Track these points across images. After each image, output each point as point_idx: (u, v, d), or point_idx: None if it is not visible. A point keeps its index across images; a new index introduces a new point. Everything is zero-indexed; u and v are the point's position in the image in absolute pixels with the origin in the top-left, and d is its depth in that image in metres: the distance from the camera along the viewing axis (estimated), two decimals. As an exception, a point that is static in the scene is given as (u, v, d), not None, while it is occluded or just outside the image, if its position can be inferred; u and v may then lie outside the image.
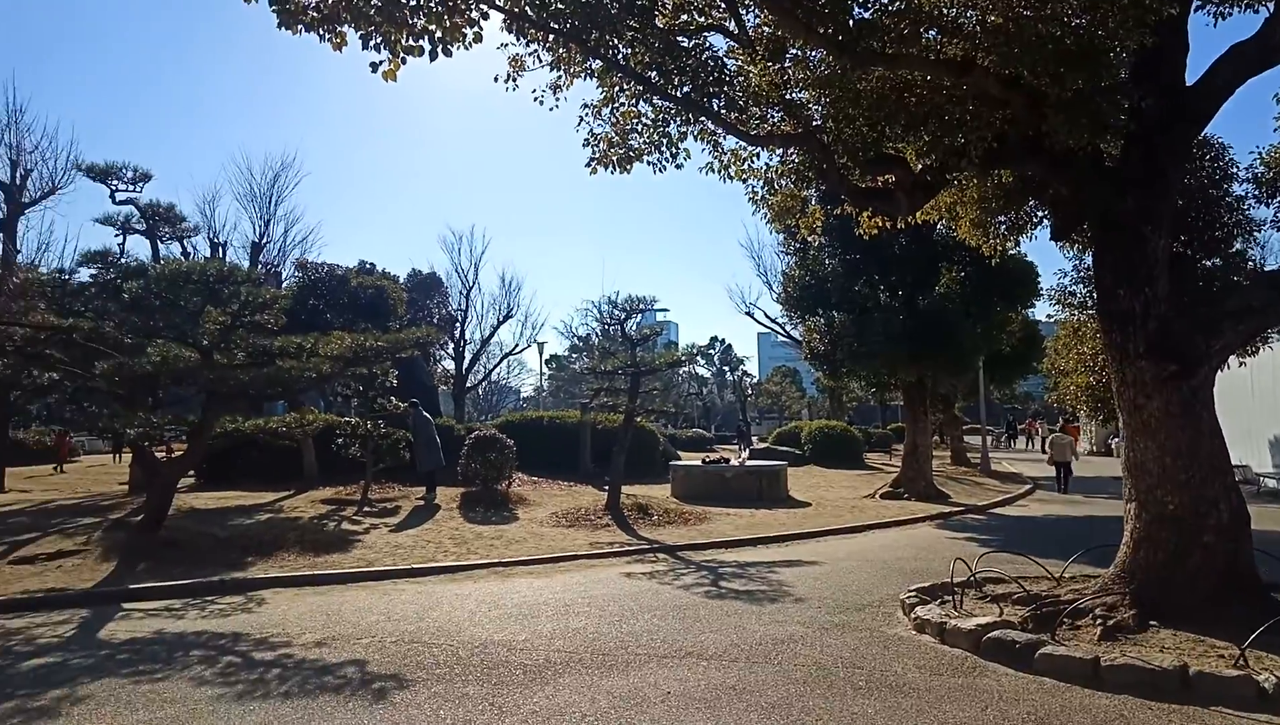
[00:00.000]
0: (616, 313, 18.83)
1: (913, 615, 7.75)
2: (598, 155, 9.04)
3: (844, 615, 8.16)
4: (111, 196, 19.42)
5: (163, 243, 19.99)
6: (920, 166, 8.59)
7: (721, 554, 12.18)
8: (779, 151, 9.43)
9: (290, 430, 13.68)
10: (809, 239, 14.25)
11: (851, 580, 9.89)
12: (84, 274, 15.51)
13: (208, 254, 25.45)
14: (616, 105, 8.82)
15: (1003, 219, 10.13)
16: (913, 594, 8.30)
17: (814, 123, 8.74)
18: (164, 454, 21.71)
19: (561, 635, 7.46)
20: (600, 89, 8.75)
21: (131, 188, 18.01)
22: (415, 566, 10.86)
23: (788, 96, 8.67)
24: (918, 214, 9.41)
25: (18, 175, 22.00)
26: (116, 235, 19.58)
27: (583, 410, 20.87)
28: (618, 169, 9.03)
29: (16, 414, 25.43)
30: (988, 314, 19.97)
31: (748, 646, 7.03)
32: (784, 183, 9.62)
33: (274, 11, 6.61)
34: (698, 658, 6.72)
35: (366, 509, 15.12)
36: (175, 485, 12.95)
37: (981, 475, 26.16)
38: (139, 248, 22.26)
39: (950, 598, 7.97)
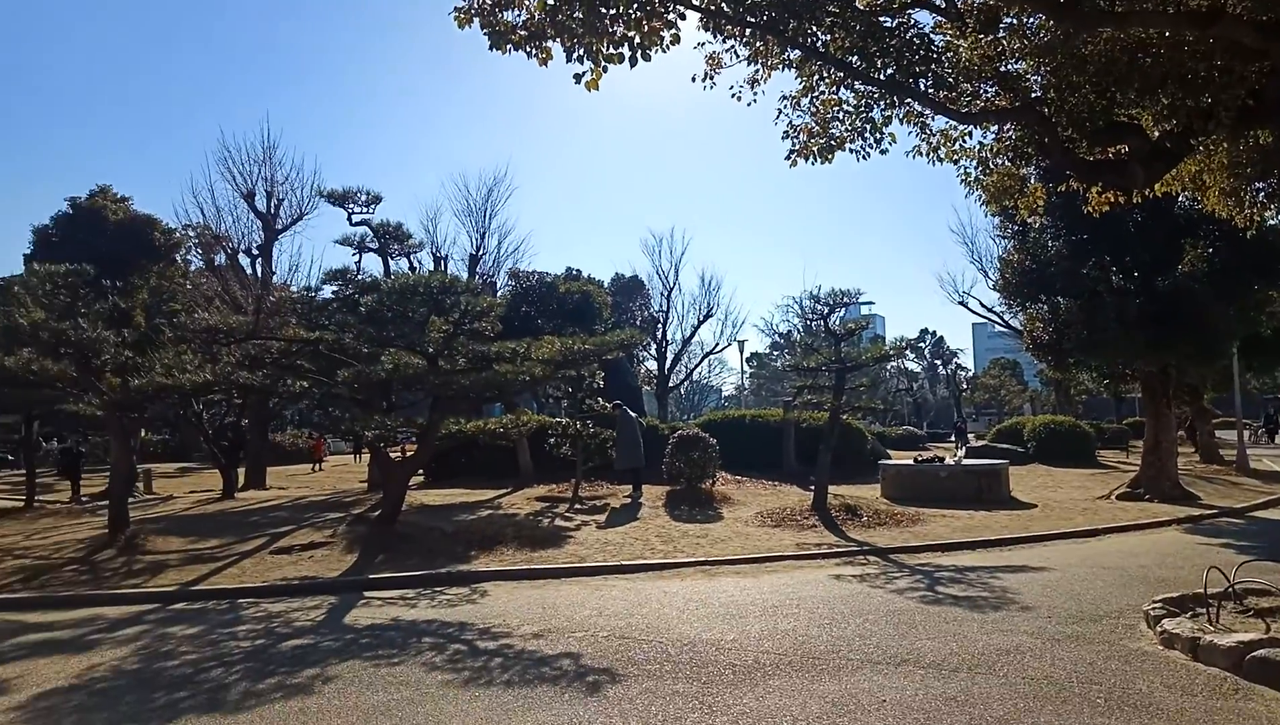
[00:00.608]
0: (819, 307, 18.45)
1: (1159, 629, 6.99)
2: (798, 147, 8.84)
3: (1077, 626, 7.49)
4: (349, 219, 21.36)
5: (392, 259, 21.74)
6: (1158, 133, 7.76)
7: (937, 558, 11.57)
8: (993, 128, 8.82)
9: (507, 431, 14.40)
10: (1029, 220, 13.28)
11: (1085, 588, 9.08)
12: (327, 291, 17.11)
13: (431, 267, 27.38)
14: (816, 94, 8.59)
15: (1260, 185, 8.96)
16: (1158, 605, 7.48)
17: (1033, 95, 8.11)
18: (399, 454, 23.57)
19: (770, 636, 7.35)
20: (799, 79, 8.56)
21: (365, 210, 19.71)
22: (624, 563, 11.10)
23: (1002, 69, 8.10)
24: (1156, 186, 8.51)
25: (272, 205, 24.66)
26: (353, 254, 21.50)
27: (785, 408, 20.60)
28: (818, 159, 8.78)
29: (274, 419, 28.48)
30: (1242, 293, 17.75)
31: (969, 656, 6.61)
32: (1000, 161, 8.99)
33: (485, 34, 6.99)
34: (914, 665, 6.39)
35: (578, 506, 15.65)
36: (408, 483, 13.97)
37: (1237, 474, 23.33)
38: (372, 265, 24.31)
39: (1204, 610, 7.11)
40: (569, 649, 7.11)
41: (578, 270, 37.23)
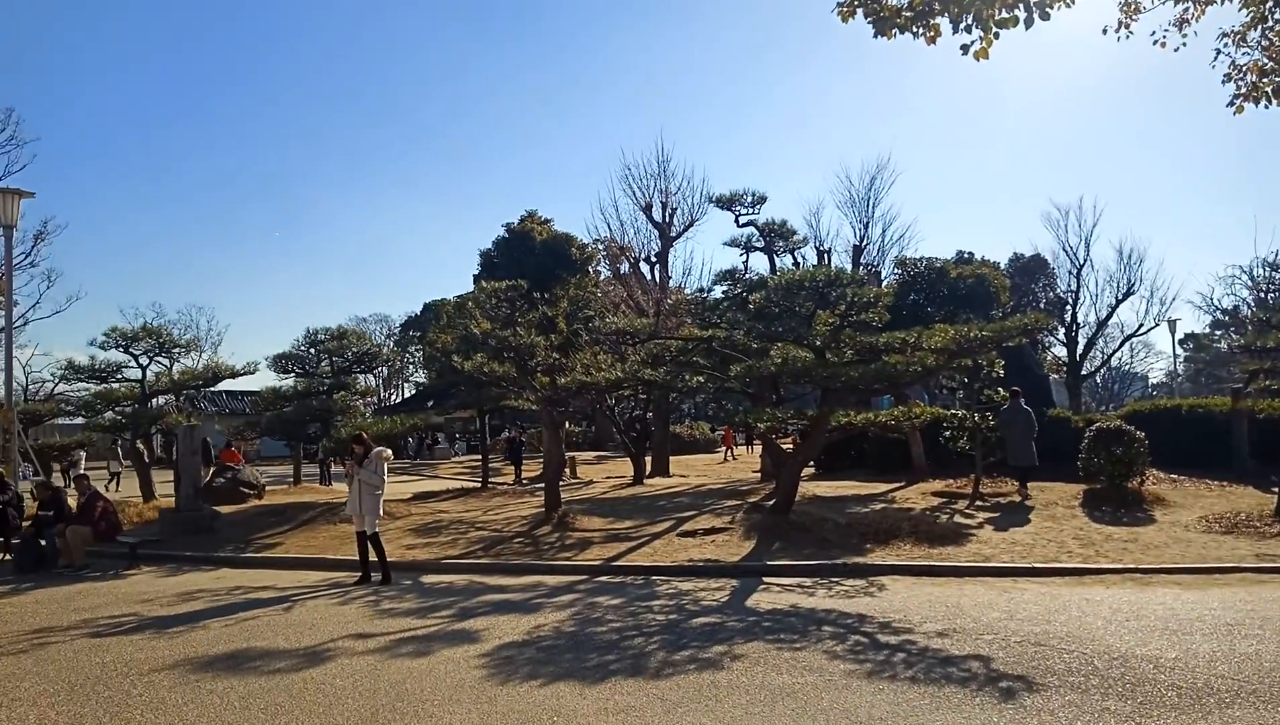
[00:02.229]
0: (1277, 276, 15.42)
1: None
2: (1243, 90, 7.53)
3: None
4: (736, 221, 22.30)
5: (777, 256, 22.31)
6: None
7: None
8: None
9: (898, 423, 14.04)
10: None
11: None
12: (717, 291, 18.08)
13: (815, 262, 27.62)
14: (1269, 25, 7.24)
15: None
16: None
17: None
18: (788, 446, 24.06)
19: (1225, 659, 6.32)
20: (1244, 9, 7.27)
21: (751, 210, 20.47)
22: (1036, 565, 10.26)
23: None
24: None
25: (666, 214, 26.61)
26: (740, 254, 22.40)
27: (1235, 396, 17.56)
28: (1272, 101, 7.39)
29: (674, 411, 30.65)
30: None
31: None
32: None
33: (869, 23, 6.94)
34: None
35: (978, 503, 14.77)
36: (800, 474, 14.22)
37: None
38: (759, 263, 25.13)
39: None
40: (977, 651, 6.75)
41: (969, 253, 35.07)
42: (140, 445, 18.85)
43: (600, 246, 31.60)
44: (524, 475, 26.06)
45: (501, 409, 21.81)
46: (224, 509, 16.55)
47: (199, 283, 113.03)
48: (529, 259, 28.53)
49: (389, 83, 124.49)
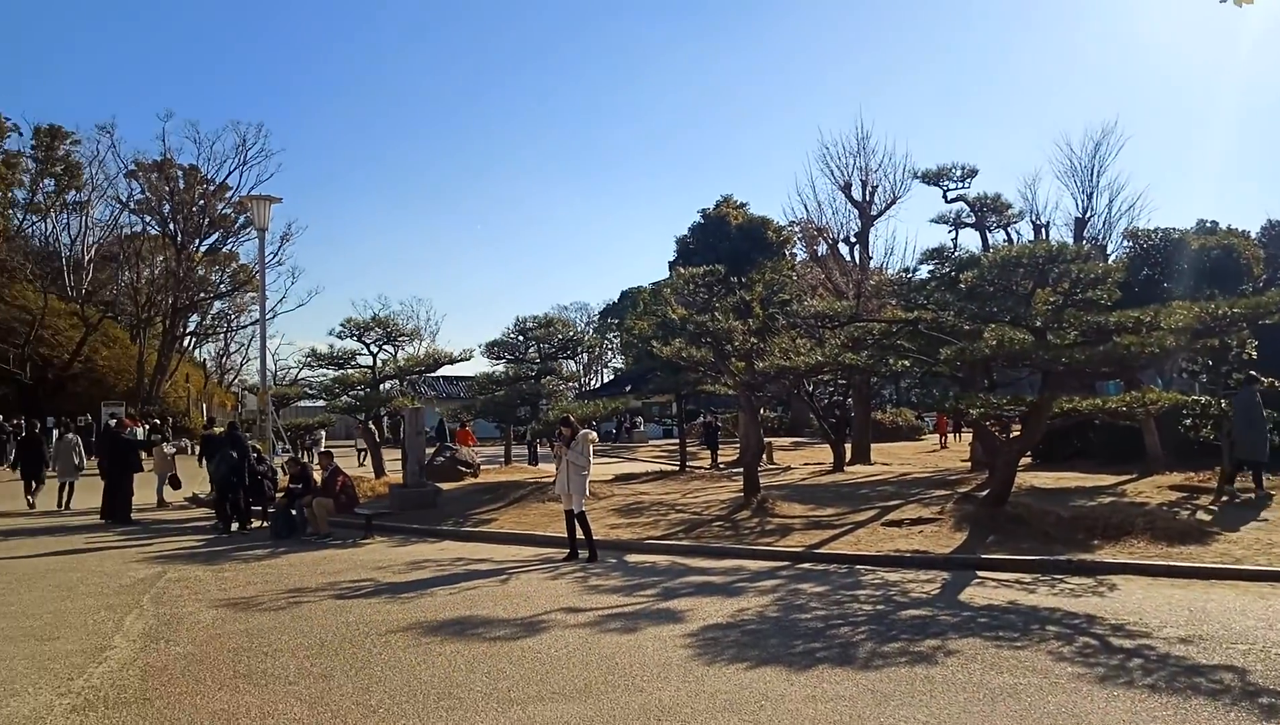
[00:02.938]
0: None
1: None
2: None
3: None
4: (944, 196, 21.18)
5: (990, 232, 21.02)
6: None
7: None
8: None
9: (1130, 410, 12.87)
10: None
11: None
12: (923, 271, 17.29)
13: (1031, 237, 25.83)
14: None
15: None
16: None
17: None
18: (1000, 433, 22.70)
19: None
20: None
21: (960, 185, 19.39)
22: (1299, 571, 9.11)
23: None
24: None
25: (867, 192, 25.75)
26: (949, 231, 21.28)
27: None
28: None
29: (874, 397, 29.70)
30: None
31: None
32: None
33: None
34: None
35: (1224, 498, 13.31)
36: (1017, 463, 13.38)
37: None
38: (969, 240, 23.77)
39: None
40: (1229, 661, 6.09)
41: (1213, 222, 31.61)
42: (371, 425, 20.59)
43: (796, 228, 31.16)
44: (720, 459, 26.22)
45: (698, 394, 22.00)
46: (444, 486, 17.74)
47: (418, 275, 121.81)
48: (724, 244, 28.53)
49: (585, 75, 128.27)
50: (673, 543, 12.15)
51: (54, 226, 55.35)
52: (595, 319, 74.69)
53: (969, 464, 20.63)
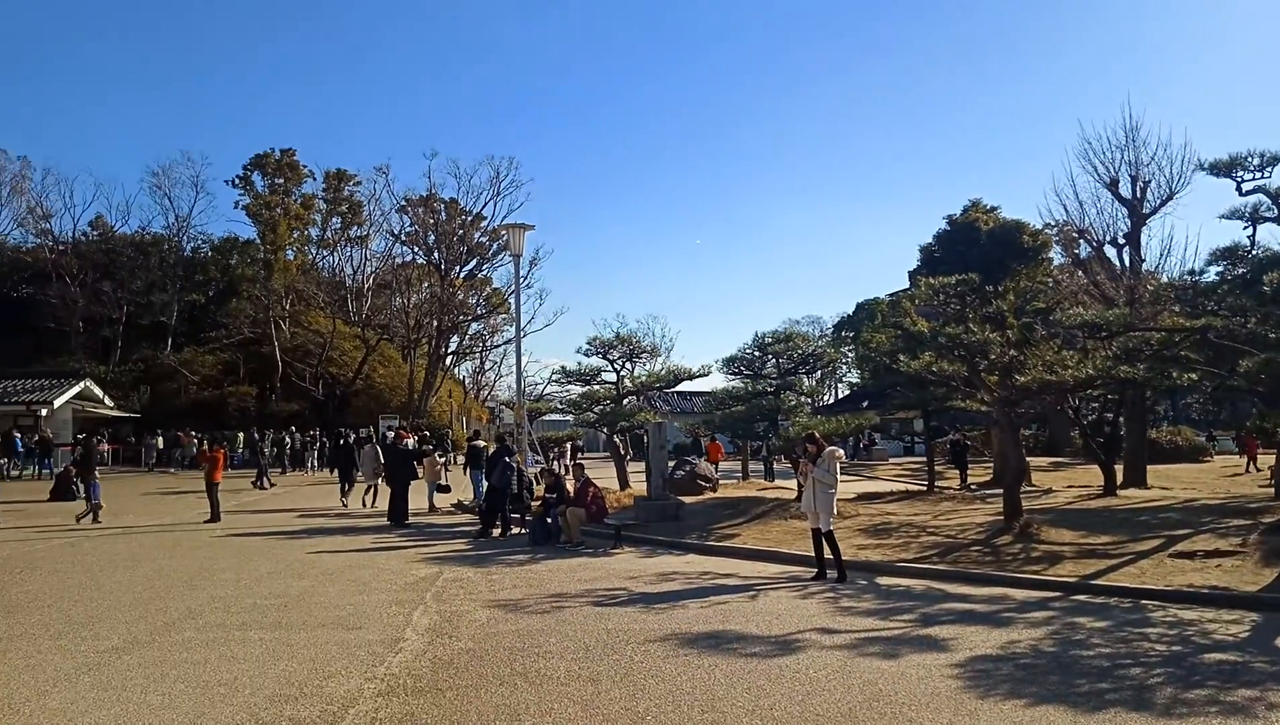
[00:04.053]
0: None
1: None
2: None
3: None
4: (1237, 188, 18.71)
5: (1296, 227, 18.33)
6: None
7: None
8: None
9: None
10: None
11: None
12: (1211, 272, 15.39)
13: (1344, 230, 22.27)
14: None
15: None
16: None
17: None
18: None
19: None
20: None
21: (1259, 175, 17.03)
22: None
23: None
24: None
25: (1137, 189, 23.37)
26: (1245, 227, 18.76)
27: None
28: None
29: (1149, 413, 26.83)
30: None
31: None
32: None
33: None
34: None
35: None
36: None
37: None
38: (1269, 236, 20.88)
39: None
40: None
41: None
42: (616, 439, 21.39)
43: (1053, 231, 28.82)
44: (969, 479, 24.75)
45: (947, 410, 20.90)
46: (685, 499, 18.05)
47: (654, 293, 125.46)
48: (973, 251, 26.88)
49: (826, 87, 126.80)
50: (927, 566, 11.59)
51: (339, 259, 62.59)
52: (829, 332, 73.28)
53: (1272, 490, 18.12)
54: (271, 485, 26.89)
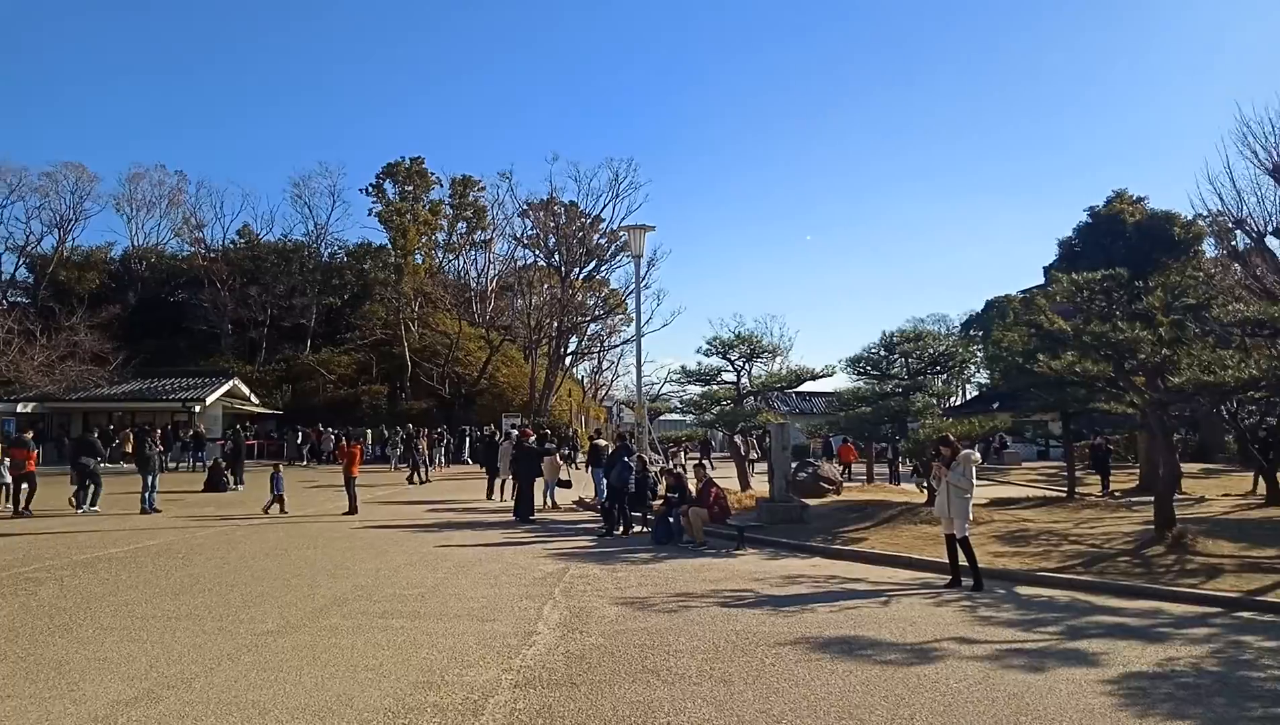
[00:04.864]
0: None
1: None
2: None
3: None
4: None
5: None
6: None
7: None
8: None
9: None
10: None
11: None
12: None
13: None
14: None
15: None
16: None
17: None
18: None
19: None
20: None
21: None
22: None
23: None
24: None
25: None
26: None
27: None
28: None
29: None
30: None
31: None
32: None
33: None
34: None
35: None
36: None
37: None
38: None
39: None
40: None
41: None
42: (737, 439, 21.24)
43: (1206, 221, 26.94)
44: (1112, 486, 23.41)
45: (1088, 412, 19.81)
46: (809, 501, 17.75)
47: (771, 292, 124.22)
48: (1118, 244, 25.36)
49: (952, 78, 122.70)
50: (1071, 577, 11.00)
51: (464, 262, 64.61)
52: (955, 330, 70.78)
53: None
54: (426, 480, 27.90)
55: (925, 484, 17.12)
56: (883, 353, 19.26)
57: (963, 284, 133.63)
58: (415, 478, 27.67)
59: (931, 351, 18.60)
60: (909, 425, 17.97)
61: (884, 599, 9.77)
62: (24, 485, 18.13)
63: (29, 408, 37.22)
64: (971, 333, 66.42)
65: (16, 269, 56.22)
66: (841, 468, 28.82)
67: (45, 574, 10.88)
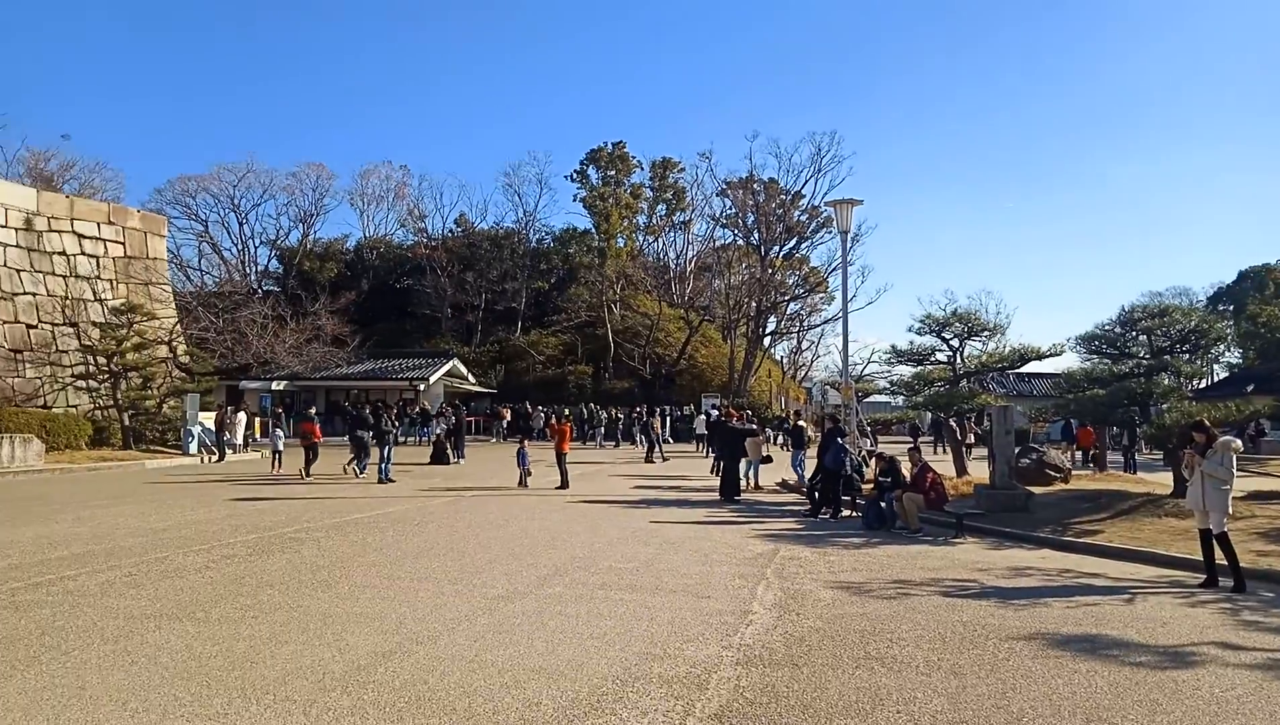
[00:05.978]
0: None
1: None
2: None
3: None
4: None
5: None
6: None
7: None
8: None
9: None
10: None
11: None
12: None
13: None
14: None
15: None
16: None
17: None
18: None
19: None
20: None
21: None
22: None
23: None
24: None
25: None
26: None
27: None
28: None
29: None
30: None
31: None
32: None
33: None
34: None
35: None
36: None
37: None
38: None
39: None
40: None
41: None
42: (953, 423, 20.23)
43: None
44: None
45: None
46: (1033, 489, 16.63)
47: (987, 267, 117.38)
48: None
49: (1184, 29, 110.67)
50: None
51: (663, 244, 65.54)
52: (1200, 304, 63.95)
53: None
54: (665, 459, 28.61)
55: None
56: (1119, 330, 17.62)
57: (1208, 253, 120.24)
58: (651, 457, 28.32)
59: (1181, 327, 16.76)
60: (1152, 409, 16.37)
61: (1127, 597, 8.99)
62: (310, 453, 21.37)
63: (281, 386, 41.64)
64: (1220, 307, 59.76)
65: (269, 261, 62.99)
66: (1081, 453, 26.77)
67: (305, 535, 12.11)
